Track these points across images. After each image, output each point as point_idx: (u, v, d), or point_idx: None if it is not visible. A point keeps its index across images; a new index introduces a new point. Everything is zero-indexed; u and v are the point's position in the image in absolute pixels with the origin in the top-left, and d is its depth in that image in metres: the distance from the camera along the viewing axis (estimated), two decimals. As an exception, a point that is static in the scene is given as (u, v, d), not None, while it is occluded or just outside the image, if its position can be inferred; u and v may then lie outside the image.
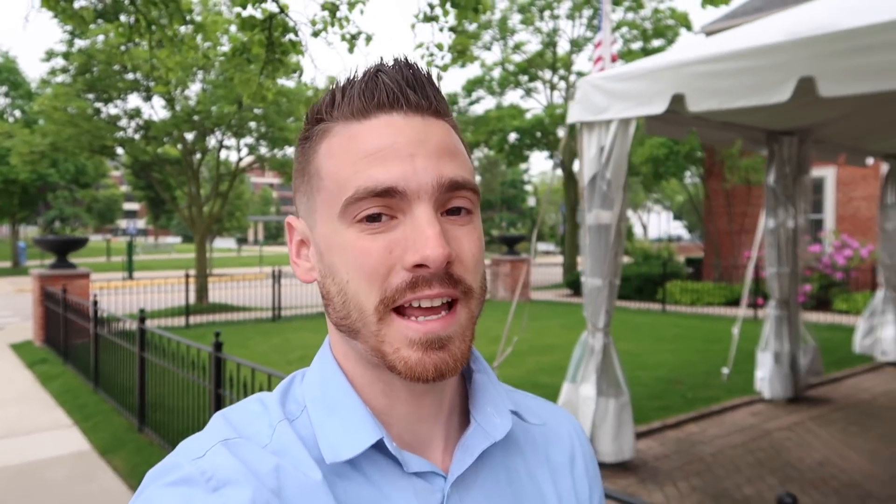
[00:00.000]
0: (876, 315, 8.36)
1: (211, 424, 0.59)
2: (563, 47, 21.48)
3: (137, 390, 5.41)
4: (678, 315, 12.75)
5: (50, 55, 12.82)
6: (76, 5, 4.74)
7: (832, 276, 12.44)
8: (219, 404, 4.07)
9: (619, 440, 4.53)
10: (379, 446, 0.58)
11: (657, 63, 4.27)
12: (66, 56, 12.49)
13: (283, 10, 3.68)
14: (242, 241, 53.22)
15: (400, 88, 0.58)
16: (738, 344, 7.03)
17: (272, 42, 3.95)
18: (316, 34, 3.75)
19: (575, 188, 20.13)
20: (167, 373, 4.89)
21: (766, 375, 6.40)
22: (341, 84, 0.61)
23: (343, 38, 3.76)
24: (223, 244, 47.01)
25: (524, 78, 22.29)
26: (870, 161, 8.14)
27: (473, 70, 30.30)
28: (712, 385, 6.95)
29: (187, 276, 11.36)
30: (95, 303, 6.73)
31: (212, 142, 13.89)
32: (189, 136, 14.01)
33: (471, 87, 21.40)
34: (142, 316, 5.38)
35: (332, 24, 3.73)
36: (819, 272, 12.53)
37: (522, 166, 42.12)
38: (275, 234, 70.16)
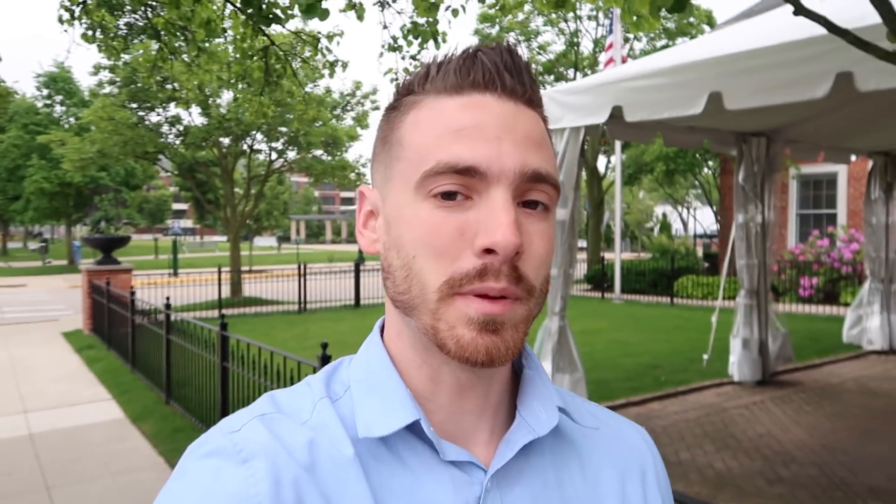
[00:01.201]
0: (863, 306, 8.70)
1: (257, 402, 0.60)
2: (586, 46, 21.90)
3: (164, 369, 6.24)
4: (685, 308, 13.14)
5: (97, 69, 13.96)
6: (111, 37, 5.59)
7: (839, 269, 12.65)
8: (224, 375, 4.83)
9: (575, 411, 5.13)
10: (417, 431, 0.57)
11: (600, 79, 4.86)
12: (111, 69, 13.58)
13: (273, 42, 4.40)
14: (284, 239, 54.87)
15: (497, 70, 0.57)
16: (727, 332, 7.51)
17: (268, 69, 4.68)
18: (305, 61, 4.45)
19: (598, 185, 20.55)
20: (189, 354, 5.68)
21: (736, 360, 6.88)
22: (437, 60, 0.60)
23: (324, 65, 4.43)
24: (264, 242, 48.61)
25: (550, 78, 22.78)
26: (853, 158, 8.48)
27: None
28: (691, 370, 7.45)
29: (220, 271, 12.30)
30: (133, 293, 7.62)
31: (244, 146, 14.83)
32: (225, 141, 15.01)
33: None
34: (167, 303, 6.21)
35: (316, 54, 4.40)
36: (827, 266, 12.76)
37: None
38: (316, 233, 71.75)
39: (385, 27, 4.22)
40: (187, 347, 5.63)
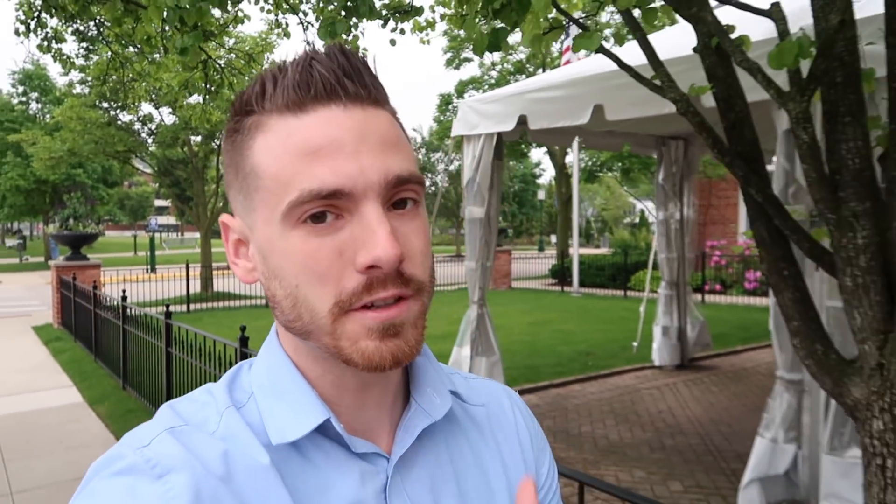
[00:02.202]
0: None
1: (158, 415, 0.59)
2: (556, 46, 22.45)
3: (121, 356, 6.69)
4: (636, 300, 13.70)
5: (68, 69, 14.25)
6: (66, 49, 6.02)
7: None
8: (169, 360, 5.29)
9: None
10: (325, 430, 0.58)
11: (509, 91, 5.37)
12: (81, 69, 13.90)
13: (209, 56, 4.86)
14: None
15: (337, 79, 0.55)
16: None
17: (208, 79, 5.13)
18: (241, 73, 4.91)
19: (567, 183, 21.11)
20: (142, 342, 6.12)
21: (657, 346, 7.45)
22: (271, 73, 0.57)
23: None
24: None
25: (522, 77, 23.33)
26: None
27: (471, 70, 31.36)
28: (621, 356, 8.00)
29: (188, 267, 12.71)
30: (95, 288, 8.04)
31: (214, 145, 15.22)
32: (196, 139, 15.38)
33: (462, 87, 22.48)
34: (123, 296, 6.65)
35: (251, 69, 4.85)
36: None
37: (534, 158, 43.02)
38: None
39: (308, 44, 4.71)
40: (140, 336, 6.08)
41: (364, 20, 2.88)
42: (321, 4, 3.58)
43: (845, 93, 2.15)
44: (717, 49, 2.42)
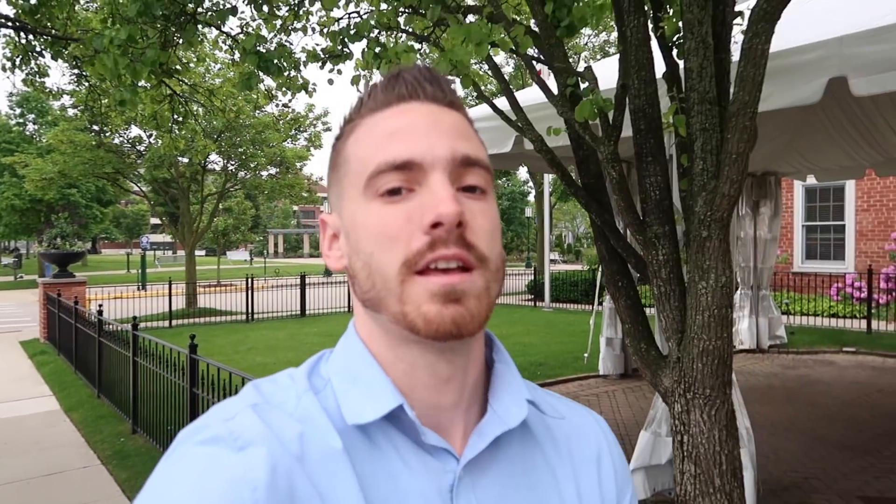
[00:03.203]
0: (735, 310, 9.78)
1: (243, 391, 0.62)
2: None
3: (97, 367, 7.15)
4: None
5: (58, 94, 14.85)
6: (56, 76, 6.57)
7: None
8: (135, 369, 5.75)
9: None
10: (396, 421, 0.59)
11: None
12: (72, 94, 14.49)
13: (175, 91, 5.38)
14: (260, 253, 55.65)
15: (418, 81, 0.63)
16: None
17: (174, 111, 5.65)
18: (203, 105, 5.42)
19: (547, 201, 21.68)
20: (115, 353, 6.59)
21: (602, 356, 7.91)
22: (369, 87, 0.66)
23: (220, 109, 5.40)
24: (238, 256, 49.33)
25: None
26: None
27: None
28: (572, 366, 8.46)
29: (170, 283, 13.18)
30: (76, 303, 8.52)
31: (198, 166, 15.78)
32: (184, 160, 15.92)
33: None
34: (100, 310, 7.13)
35: (212, 102, 5.37)
36: (733, 275, 13.88)
37: (522, 177, 43.62)
38: (294, 247, 72.48)
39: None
40: (112, 347, 6.55)
41: (278, 73, 3.37)
42: (237, 62, 4.07)
43: (647, 138, 2.67)
44: (571, 96, 2.93)
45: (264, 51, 3.20)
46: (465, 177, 0.60)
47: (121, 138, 15.80)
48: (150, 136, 15.55)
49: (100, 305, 7.30)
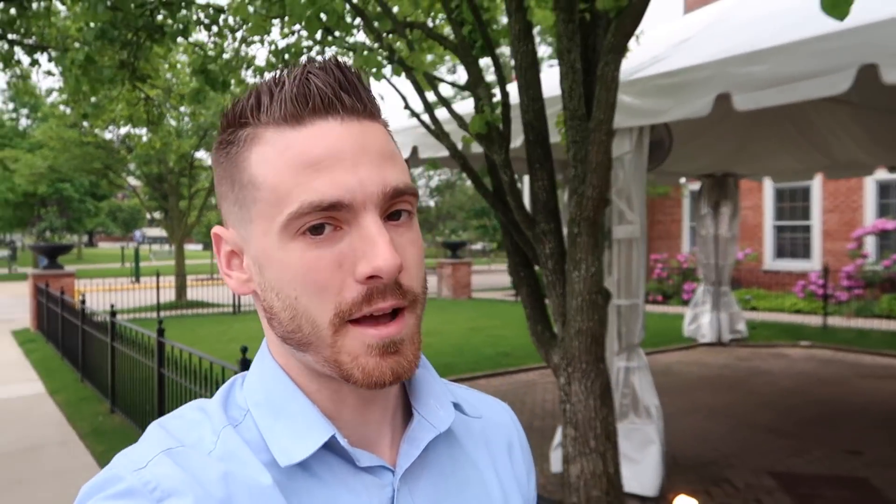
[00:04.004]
0: (698, 305, 10.21)
1: (147, 434, 0.58)
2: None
3: (80, 353, 7.57)
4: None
5: (44, 96, 15.28)
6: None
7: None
8: (113, 353, 6.17)
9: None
10: (328, 446, 0.57)
11: (404, 125, 6.31)
12: (60, 92, 14.91)
13: (148, 95, 5.78)
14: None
15: (334, 92, 0.56)
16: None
17: (149, 114, 6.05)
18: (175, 108, 5.81)
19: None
20: (97, 340, 7.00)
21: (562, 347, 8.34)
22: (266, 86, 0.57)
23: (191, 113, 5.73)
24: (233, 251, 49.64)
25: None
26: (682, 180, 10.01)
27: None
28: (536, 357, 8.88)
29: (158, 276, 13.60)
30: (62, 293, 8.93)
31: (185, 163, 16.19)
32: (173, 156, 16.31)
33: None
34: (83, 300, 7.54)
35: (182, 104, 5.76)
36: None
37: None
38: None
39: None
40: (94, 334, 6.97)
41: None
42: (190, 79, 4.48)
43: (535, 147, 3.09)
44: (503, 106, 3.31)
45: (211, 69, 3.60)
46: (394, 206, 0.57)
47: (111, 134, 16.18)
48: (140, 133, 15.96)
49: (83, 296, 7.71)
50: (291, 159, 0.55)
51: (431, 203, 31.71)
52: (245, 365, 3.49)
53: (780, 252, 14.54)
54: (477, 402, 0.75)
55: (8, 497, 4.37)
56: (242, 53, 3.83)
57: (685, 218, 16.17)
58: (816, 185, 13.61)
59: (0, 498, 4.35)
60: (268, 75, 0.59)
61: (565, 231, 3.07)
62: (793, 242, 14.34)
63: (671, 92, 4.00)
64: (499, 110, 3.17)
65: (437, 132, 3.37)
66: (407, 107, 3.63)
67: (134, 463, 0.53)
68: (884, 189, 13.04)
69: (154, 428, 0.58)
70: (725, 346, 9.79)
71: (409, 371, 0.57)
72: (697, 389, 7.20)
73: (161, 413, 4.88)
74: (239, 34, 3.97)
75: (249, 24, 3.21)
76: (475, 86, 3.28)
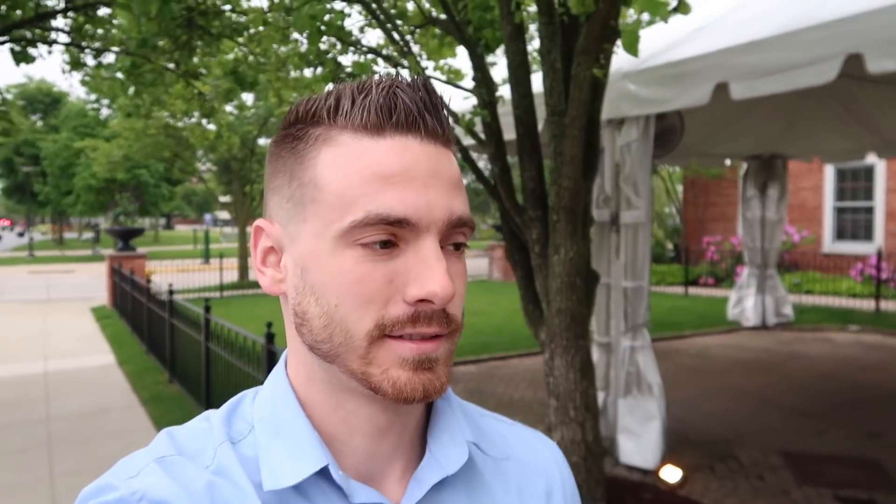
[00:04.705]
0: (743, 288, 10.11)
1: (154, 441, 0.58)
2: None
3: (146, 328, 8.27)
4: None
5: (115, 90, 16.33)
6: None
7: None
8: (172, 329, 6.76)
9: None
10: (327, 474, 0.55)
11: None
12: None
13: (201, 92, 6.30)
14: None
15: (419, 111, 0.55)
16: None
17: (202, 107, 6.58)
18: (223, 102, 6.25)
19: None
20: (158, 316, 7.64)
21: (598, 329, 8.50)
22: (349, 90, 0.56)
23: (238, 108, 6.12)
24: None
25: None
26: (727, 162, 9.88)
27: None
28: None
29: (221, 257, 14.41)
30: (132, 273, 9.70)
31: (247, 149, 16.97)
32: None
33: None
34: (148, 280, 8.22)
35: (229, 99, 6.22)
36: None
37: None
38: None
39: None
40: (155, 311, 7.62)
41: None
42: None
43: (524, 140, 3.33)
44: (489, 104, 3.58)
45: (241, 71, 3.99)
46: (453, 235, 0.57)
47: (182, 124, 17.10)
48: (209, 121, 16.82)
49: (148, 276, 8.40)
50: (364, 168, 0.54)
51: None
52: (270, 339, 3.92)
53: (841, 234, 14.09)
54: (513, 438, 0.70)
55: (77, 451, 4.98)
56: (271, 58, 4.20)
57: (741, 200, 15.80)
58: (881, 164, 13.11)
59: (71, 452, 4.95)
60: (349, 82, 0.58)
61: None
62: (854, 224, 13.87)
63: (674, 81, 4.14)
64: (498, 107, 3.41)
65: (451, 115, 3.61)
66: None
67: (128, 471, 0.54)
68: (953, 168, 12.44)
69: (161, 435, 0.59)
70: (769, 330, 9.70)
71: (440, 391, 0.56)
72: (730, 372, 7.25)
73: (208, 383, 5.40)
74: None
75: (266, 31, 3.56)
76: (478, 83, 3.54)
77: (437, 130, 0.57)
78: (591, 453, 3.21)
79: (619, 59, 4.83)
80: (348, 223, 0.53)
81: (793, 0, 4.47)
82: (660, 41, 5.00)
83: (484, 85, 3.20)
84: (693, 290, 13.92)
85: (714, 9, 6.06)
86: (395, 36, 3.73)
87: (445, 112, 0.58)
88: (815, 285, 12.59)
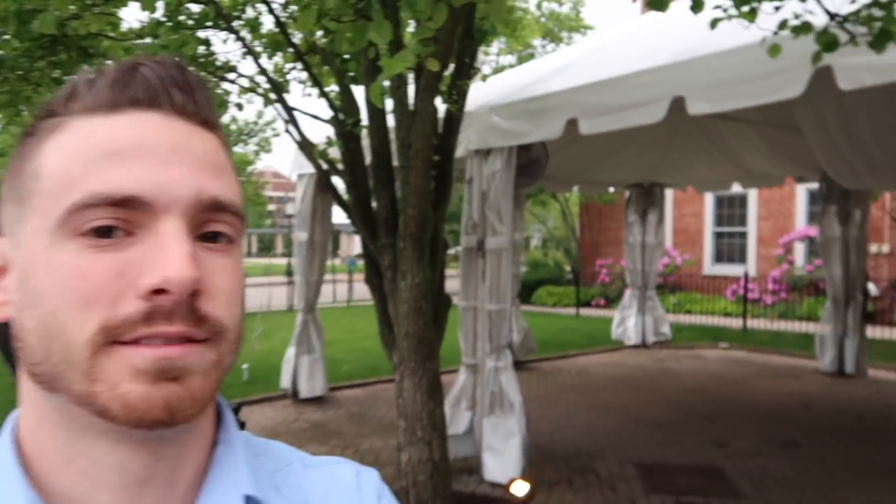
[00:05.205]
0: (625, 309, 10.67)
1: None
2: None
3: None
4: (523, 313, 15.08)
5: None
6: None
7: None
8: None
9: (313, 383, 6.88)
10: None
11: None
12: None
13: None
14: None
15: (163, 86, 0.47)
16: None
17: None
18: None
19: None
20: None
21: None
22: (86, 75, 0.48)
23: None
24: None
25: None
26: (611, 189, 10.48)
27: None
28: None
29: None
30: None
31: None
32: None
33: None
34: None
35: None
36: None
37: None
38: (269, 247, 72.91)
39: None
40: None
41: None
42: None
43: (378, 170, 3.46)
44: (341, 135, 3.69)
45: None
46: (210, 223, 0.47)
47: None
48: None
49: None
50: (91, 147, 0.45)
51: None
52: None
53: (719, 257, 15.12)
54: (310, 485, 0.57)
55: None
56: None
57: (624, 225, 16.69)
58: (753, 193, 14.19)
59: None
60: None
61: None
62: (730, 248, 14.92)
63: (533, 116, 4.42)
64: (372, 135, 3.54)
65: (303, 143, 3.71)
66: (287, 121, 3.93)
67: None
68: (814, 196, 13.64)
69: None
70: (648, 348, 10.27)
71: (192, 409, 0.44)
72: (605, 389, 7.63)
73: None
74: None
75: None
76: (340, 111, 3.66)
77: (189, 108, 0.48)
78: (437, 471, 3.34)
79: (488, 93, 5.11)
80: (64, 208, 0.43)
81: (641, 43, 4.88)
82: (527, 77, 5.31)
83: (349, 112, 3.33)
84: (586, 312, 14.50)
85: (581, 48, 6.49)
86: (262, 64, 3.80)
87: (204, 93, 0.50)
88: (694, 305, 13.42)
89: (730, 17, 2.27)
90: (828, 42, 2.08)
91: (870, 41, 2.05)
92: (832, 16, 2.04)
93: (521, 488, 3.72)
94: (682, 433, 5.84)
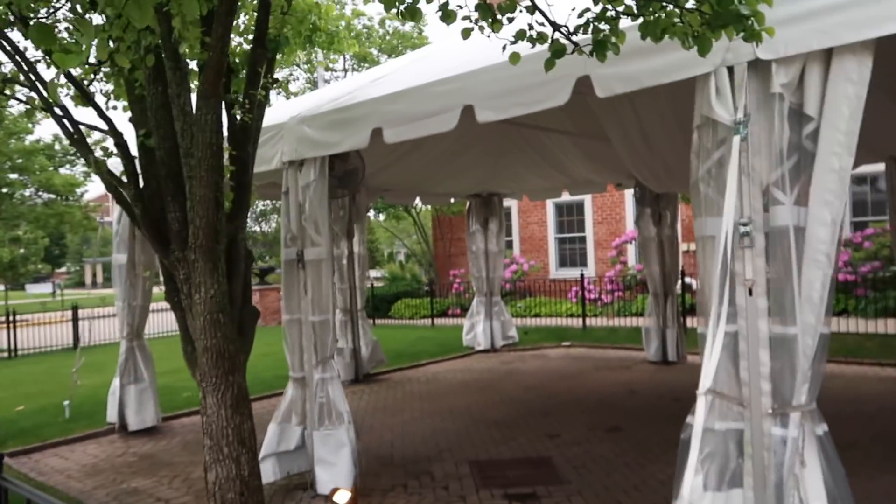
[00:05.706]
0: (474, 316, 10.99)
1: None
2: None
3: None
4: (380, 327, 15.15)
5: None
6: None
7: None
8: None
9: (142, 413, 6.48)
10: None
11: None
12: None
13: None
14: (79, 284, 52.49)
15: None
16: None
17: None
18: None
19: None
20: None
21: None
22: None
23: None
24: (41, 289, 45.32)
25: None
26: (452, 200, 10.83)
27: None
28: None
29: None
30: None
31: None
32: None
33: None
34: None
35: None
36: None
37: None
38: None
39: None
40: None
41: None
42: None
43: (167, 182, 3.32)
44: (141, 146, 3.51)
45: None
46: None
47: None
48: None
49: None
50: None
51: (256, 228, 31.07)
52: None
53: (563, 262, 16.00)
54: None
55: None
56: None
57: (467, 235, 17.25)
58: (588, 199, 15.17)
59: None
60: None
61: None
62: (572, 252, 15.84)
63: (342, 126, 4.46)
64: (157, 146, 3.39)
65: (79, 141, 3.49)
66: (72, 136, 3.70)
67: None
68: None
69: None
70: (497, 352, 10.63)
71: None
72: (451, 394, 7.80)
73: None
74: None
75: None
76: (133, 123, 3.49)
77: None
78: (248, 488, 3.25)
79: (299, 105, 5.10)
80: None
81: (447, 56, 5.09)
82: (341, 89, 5.37)
83: (142, 123, 3.19)
84: (441, 321, 14.78)
85: (402, 60, 6.67)
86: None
87: None
88: (542, 308, 14.08)
89: (482, 29, 2.42)
90: (556, 50, 2.29)
91: (591, 50, 2.27)
92: (556, 27, 2.24)
93: (342, 497, 3.71)
94: (518, 429, 6.08)
